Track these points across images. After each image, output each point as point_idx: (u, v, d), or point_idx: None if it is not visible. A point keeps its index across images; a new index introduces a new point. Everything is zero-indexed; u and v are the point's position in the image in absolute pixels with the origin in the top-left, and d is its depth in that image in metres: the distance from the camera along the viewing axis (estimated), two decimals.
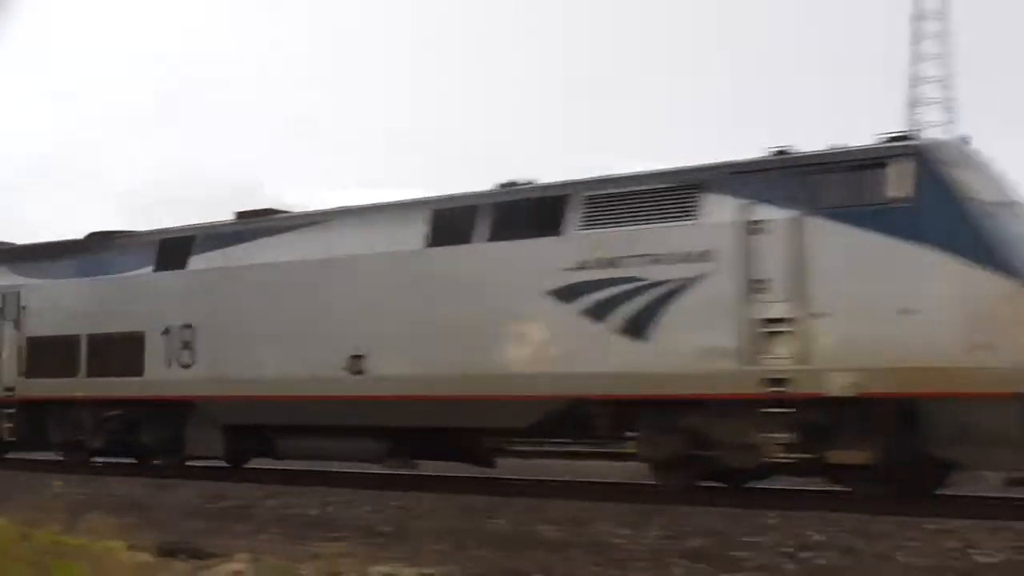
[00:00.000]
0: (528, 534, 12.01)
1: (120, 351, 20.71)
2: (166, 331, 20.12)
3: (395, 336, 17.46)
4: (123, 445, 21.03)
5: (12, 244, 24.36)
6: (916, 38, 60.11)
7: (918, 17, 60.13)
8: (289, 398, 18.41)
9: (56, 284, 22.33)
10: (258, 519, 13.64)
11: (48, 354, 21.84)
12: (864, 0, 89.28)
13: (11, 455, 22.94)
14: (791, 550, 10.80)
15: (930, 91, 59.33)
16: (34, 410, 22.03)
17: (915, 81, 59.78)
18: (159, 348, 20.19)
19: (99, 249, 22.12)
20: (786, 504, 13.78)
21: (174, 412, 20.04)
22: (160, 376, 20.12)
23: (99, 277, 21.69)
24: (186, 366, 19.84)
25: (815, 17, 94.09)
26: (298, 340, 18.49)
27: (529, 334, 16.20)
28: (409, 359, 17.29)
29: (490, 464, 18.31)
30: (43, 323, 22.18)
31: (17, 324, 22.40)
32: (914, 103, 59.38)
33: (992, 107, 69.36)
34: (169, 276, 20.57)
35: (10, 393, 22.29)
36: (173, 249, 20.71)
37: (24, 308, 22.46)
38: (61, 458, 21.93)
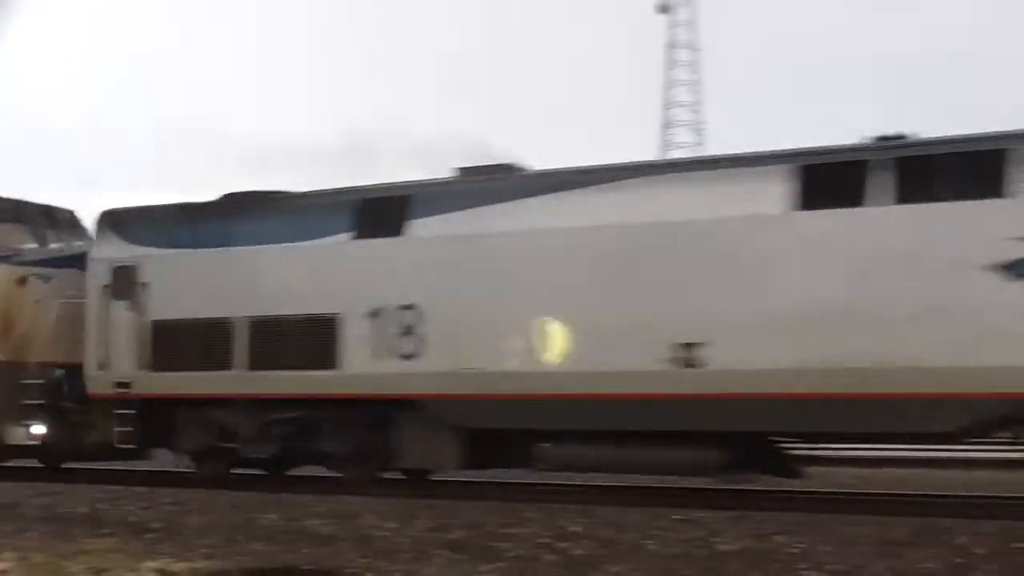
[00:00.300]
0: (298, 528, 12.25)
1: (300, 339, 16.49)
2: (375, 314, 15.99)
3: (750, 321, 14.14)
4: (296, 454, 17.13)
5: (121, 207, 19.09)
6: (670, 65, 63.73)
7: (671, 46, 63.86)
8: (575, 397, 14.88)
9: (194, 256, 17.64)
10: (25, 518, 13.62)
11: (184, 342, 17.39)
12: (624, 29, 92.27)
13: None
14: (549, 541, 11.01)
15: (682, 114, 63.09)
16: (157, 410, 17.68)
17: (668, 104, 63.47)
18: (364, 334, 16.06)
19: (254, 212, 17.54)
20: (546, 497, 14.22)
21: (380, 414, 16.28)
22: (366, 369, 16.04)
23: (261, 247, 17.11)
24: (407, 356, 15.75)
25: (586, 43, 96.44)
26: (588, 325, 14.88)
27: (963, 317, 13.23)
28: (774, 349, 13.98)
29: (797, 475, 15.37)
30: (175, 303, 17.54)
31: (135, 304, 17.75)
32: (667, 125, 62.92)
33: (734, 129, 73.79)
34: (379, 245, 16.26)
35: (124, 389, 17.77)
36: (382, 211, 16.42)
37: (145, 285, 17.76)
38: (193, 470, 17.96)
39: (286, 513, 12.93)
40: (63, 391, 18.44)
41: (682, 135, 62.62)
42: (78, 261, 18.94)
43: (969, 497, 14.80)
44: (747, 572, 9.68)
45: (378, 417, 16.23)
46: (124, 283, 17.88)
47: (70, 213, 20.50)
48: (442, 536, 11.60)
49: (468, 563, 10.52)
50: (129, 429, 17.64)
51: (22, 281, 18.98)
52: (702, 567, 9.95)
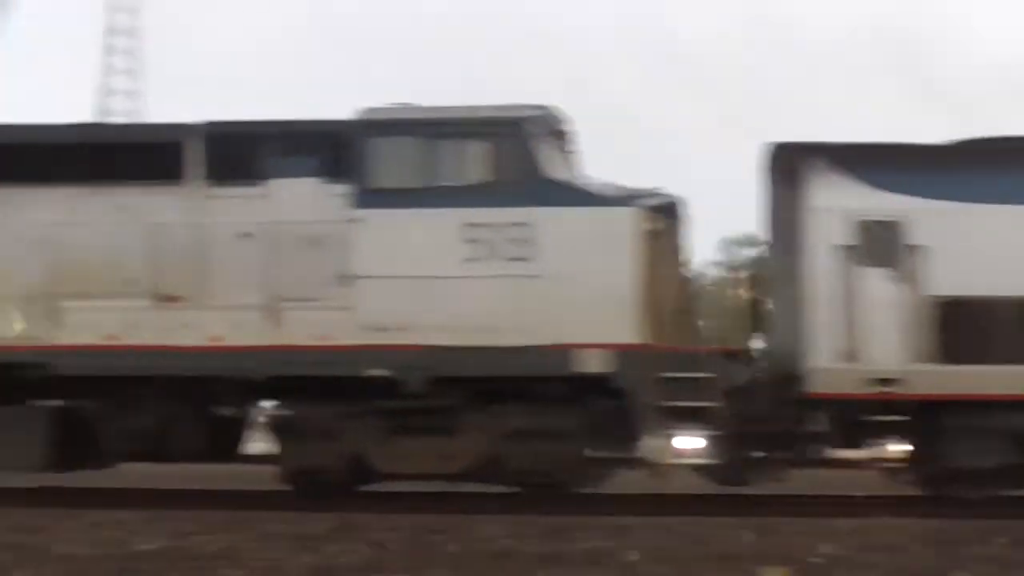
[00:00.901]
0: None
1: None
2: None
3: None
4: None
5: (852, 142, 14.68)
6: (108, 52, 62.40)
7: (111, 32, 62.59)
8: None
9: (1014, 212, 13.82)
10: None
11: (996, 326, 13.59)
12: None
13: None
14: None
15: (119, 103, 62.04)
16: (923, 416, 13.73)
17: (105, 92, 62.22)
18: None
19: None
20: None
21: None
22: None
23: None
24: None
25: None
26: None
27: None
28: None
29: None
30: (981, 274, 13.65)
31: (901, 273, 13.75)
32: (104, 113, 61.57)
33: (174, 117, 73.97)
34: None
35: (887, 388, 13.63)
36: None
37: (919, 248, 13.77)
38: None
39: None
40: (749, 391, 14.14)
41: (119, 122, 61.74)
42: (672, 209, 14.96)
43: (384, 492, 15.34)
44: (166, 571, 9.55)
45: None
46: (880, 244, 13.95)
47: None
48: None
49: None
50: (910, 445, 13.95)
51: (654, 235, 14.35)
52: (117, 568, 9.70)
